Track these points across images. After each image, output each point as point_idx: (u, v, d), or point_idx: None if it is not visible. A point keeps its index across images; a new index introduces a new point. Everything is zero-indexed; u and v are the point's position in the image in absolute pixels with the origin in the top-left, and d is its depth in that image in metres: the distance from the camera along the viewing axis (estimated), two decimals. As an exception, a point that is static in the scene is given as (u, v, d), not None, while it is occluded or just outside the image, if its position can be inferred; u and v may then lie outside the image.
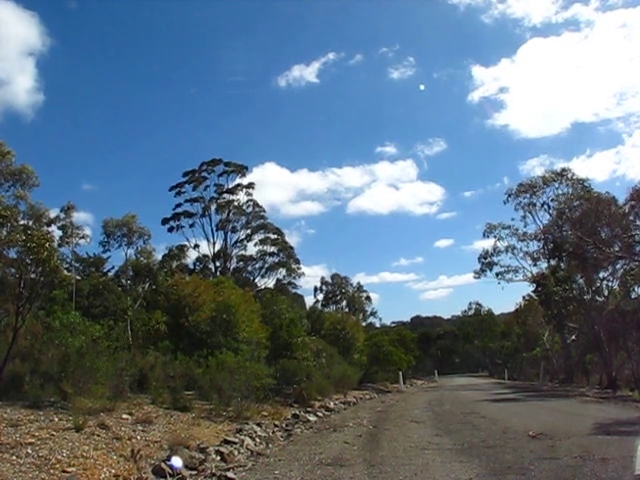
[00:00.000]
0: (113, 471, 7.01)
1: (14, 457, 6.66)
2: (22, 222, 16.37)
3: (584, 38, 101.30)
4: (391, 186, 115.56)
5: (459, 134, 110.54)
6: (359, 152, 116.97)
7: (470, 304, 70.88)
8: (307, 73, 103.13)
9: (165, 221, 39.73)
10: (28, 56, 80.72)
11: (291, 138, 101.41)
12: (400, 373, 34.60)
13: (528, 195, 33.99)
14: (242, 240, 40.64)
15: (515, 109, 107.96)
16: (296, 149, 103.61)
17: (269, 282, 40.83)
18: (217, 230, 40.21)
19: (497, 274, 36.62)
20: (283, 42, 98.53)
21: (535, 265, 35.22)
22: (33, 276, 11.30)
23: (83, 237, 22.20)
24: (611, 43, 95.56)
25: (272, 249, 40.71)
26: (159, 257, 27.89)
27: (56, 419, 8.96)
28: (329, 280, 55.58)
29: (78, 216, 22.09)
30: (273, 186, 76.21)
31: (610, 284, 27.90)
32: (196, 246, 39.75)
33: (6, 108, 67.81)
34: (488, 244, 37.41)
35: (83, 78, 76.61)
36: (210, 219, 40.23)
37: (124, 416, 10.25)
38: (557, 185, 32.91)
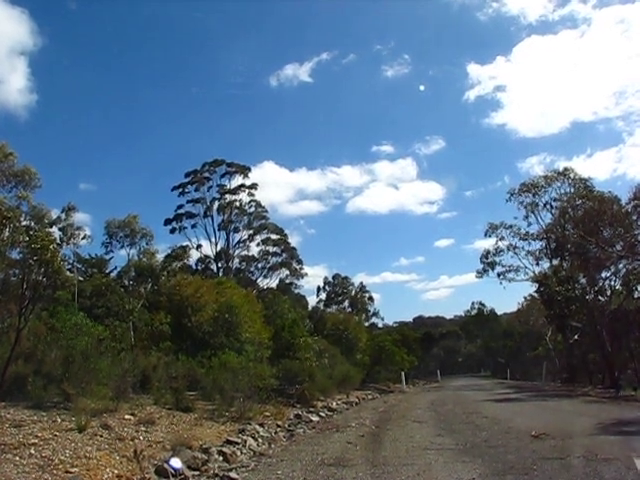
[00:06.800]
0: (116, 471, 7.03)
1: (17, 458, 6.70)
2: (24, 223, 16.38)
3: (581, 35, 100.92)
4: (391, 185, 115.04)
5: (457, 132, 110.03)
6: (357, 151, 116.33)
7: (473, 304, 70.95)
8: (301, 72, 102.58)
9: (167, 222, 39.82)
10: (20, 55, 79.86)
11: (289, 137, 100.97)
12: (402, 373, 34.66)
13: (530, 194, 33.89)
14: (244, 240, 40.70)
15: (513, 108, 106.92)
16: (294, 148, 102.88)
17: (271, 282, 40.92)
18: (219, 230, 40.28)
19: (499, 274, 36.46)
20: (280, 42, 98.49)
21: (537, 265, 35.14)
22: (36, 277, 11.31)
23: (84, 237, 22.19)
24: (609, 40, 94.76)
25: (274, 249, 40.76)
26: (161, 258, 27.90)
27: (59, 420, 9.00)
28: (331, 280, 55.64)
29: (76, 216, 22.03)
30: (272, 185, 76.07)
31: (613, 284, 27.83)
32: (198, 246, 39.85)
33: (-1, 108, 66.97)
34: (489, 244, 37.26)
35: (80, 78, 75.47)
36: (212, 219, 40.31)
37: (127, 417, 10.28)
38: (559, 184, 32.83)
